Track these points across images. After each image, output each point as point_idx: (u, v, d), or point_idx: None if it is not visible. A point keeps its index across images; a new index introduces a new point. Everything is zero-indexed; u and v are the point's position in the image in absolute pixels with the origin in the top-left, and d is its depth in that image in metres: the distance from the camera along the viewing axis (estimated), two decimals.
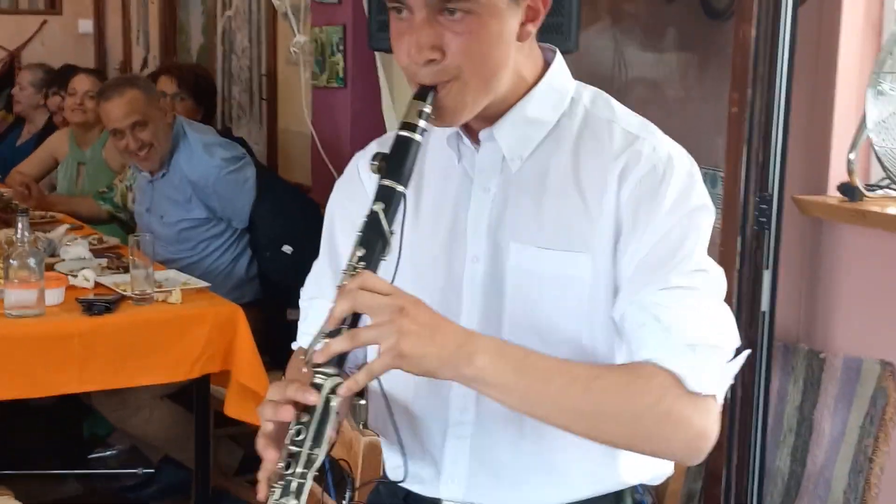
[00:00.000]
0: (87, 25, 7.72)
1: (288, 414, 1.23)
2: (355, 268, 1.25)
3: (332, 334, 1.22)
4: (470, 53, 1.31)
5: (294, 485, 1.21)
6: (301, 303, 1.65)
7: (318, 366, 1.22)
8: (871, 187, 2.56)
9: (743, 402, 2.65)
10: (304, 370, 1.25)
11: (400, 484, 1.54)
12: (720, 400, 1.31)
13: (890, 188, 2.52)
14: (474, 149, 1.45)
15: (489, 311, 1.42)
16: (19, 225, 3.07)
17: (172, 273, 3.43)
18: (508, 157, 1.43)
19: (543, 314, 1.39)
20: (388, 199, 1.29)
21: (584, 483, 1.45)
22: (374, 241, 1.27)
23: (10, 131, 6.00)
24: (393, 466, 1.56)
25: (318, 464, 1.22)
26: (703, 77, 3.01)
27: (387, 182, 1.30)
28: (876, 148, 2.48)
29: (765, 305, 2.58)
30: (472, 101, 1.36)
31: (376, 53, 3.74)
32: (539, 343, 1.35)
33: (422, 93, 1.33)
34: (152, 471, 3.89)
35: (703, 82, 3.00)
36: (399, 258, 1.39)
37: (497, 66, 1.35)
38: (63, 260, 3.51)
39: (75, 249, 3.62)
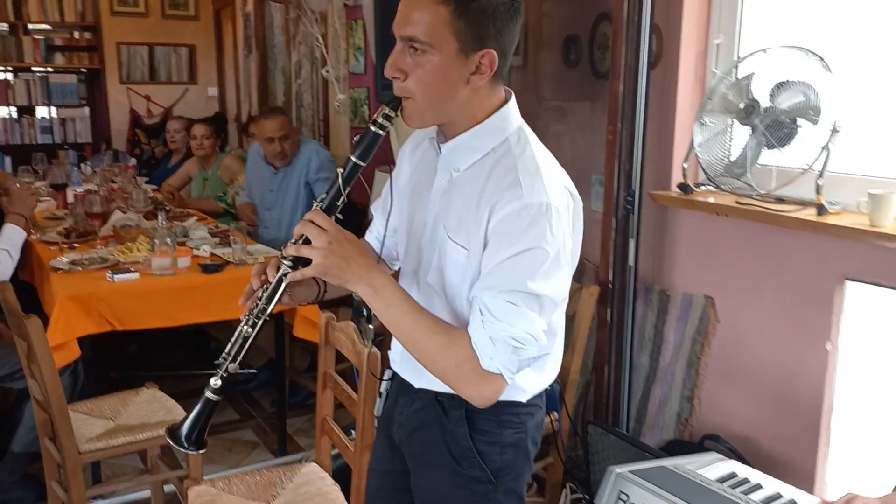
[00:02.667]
0: (213, 91, 7.67)
1: (258, 281, 1.32)
2: (316, 206, 1.25)
3: (295, 243, 1.24)
4: (420, 82, 1.23)
5: (251, 321, 1.30)
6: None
7: (283, 258, 1.26)
8: (697, 185, 2.53)
9: (619, 324, 2.64)
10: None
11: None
12: (507, 378, 1.21)
13: (709, 185, 2.50)
14: (440, 153, 1.36)
15: (425, 259, 1.37)
16: (160, 217, 3.07)
17: (261, 247, 3.41)
18: (451, 168, 1.33)
19: (443, 275, 1.33)
20: (350, 169, 1.26)
21: None
22: (333, 192, 1.26)
23: (164, 158, 5.98)
24: None
25: (268, 311, 1.29)
26: (592, 116, 2.98)
27: (353, 158, 1.26)
28: (700, 160, 2.45)
29: (631, 261, 2.57)
30: (422, 116, 1.28)
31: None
32: (440, 281, 1.33)
33: (392, 102, 1.27)
34: (254, 371, 3.91)
35: (593, 119, 2.97)
36: (391, 205, 1.46)
37: (440, 95, 1.25)
38: (191, 238, 3.49)
39: (199, 232, 3.60)
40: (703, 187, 2.52)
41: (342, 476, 2.16)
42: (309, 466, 2.18)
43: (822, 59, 2.12)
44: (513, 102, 1.33)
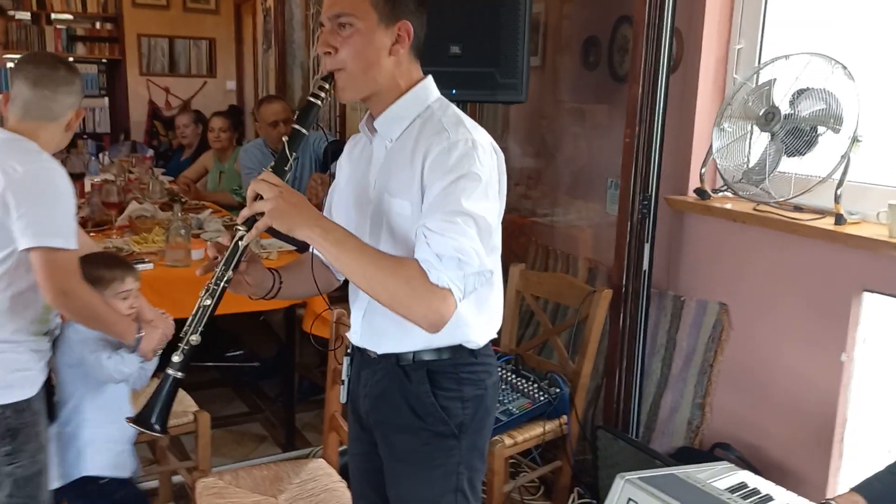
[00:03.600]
0: (231, 84, 7.69)
1: (219, 250, 1.36)
2: (266, 170, 1.32)
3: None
4: (349, 52, 1.37)
5: (210, 290, 1.33)
6: None
7: (238, 225, 1.31)
8: (714, 191, 2.52)
9: (630, 329, 2.63)
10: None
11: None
12: (457, 294, 1.29)
13: (726, 192, 2.47)
14: (373, 134, 1.49)
15: (374, 231, 1.45)
16: (175, 209, 3.08)
17: (274, 241, 3.41)
18: (385, 140, 1.46)
19: (393, 235, 1.42)
20: (294, 135, 1.37)
21: (421, 338, 1.42)
22: (282, 158, 1.35)
23: (177, 151, 5.99)
24: None
25: (227, 277, 1.33)
26: (610, 119, 2.96)
27: (295, 125, 1.38)
28: (718, 166, 2.43)
29: (645, 266, 2.55)
30: (354, 84, 1.41)
31: None
32: (392, 244, 1.42)
33: (325, 77, 1.40)
34: (257, 364, 3.95)
35: (610, 122, 2.95)
36: (333, 186, 1.61)
37: (368, 63, 1.39)
38: (206, 231, 3.50)
39: (214, 224, 3.61)
40: (720, 193, 2.50)
41: (350, 473, 2.16)
42: (316, 462, 2.18)
43: (844, 68, 2.09)
44: (430, 79, 1.48)
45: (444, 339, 1.42)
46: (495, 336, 1.55)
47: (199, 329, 1.33)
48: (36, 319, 1.92)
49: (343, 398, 1.65)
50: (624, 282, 2.60)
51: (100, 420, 2.08)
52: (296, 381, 3.44)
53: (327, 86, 1.39)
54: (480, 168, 1.33)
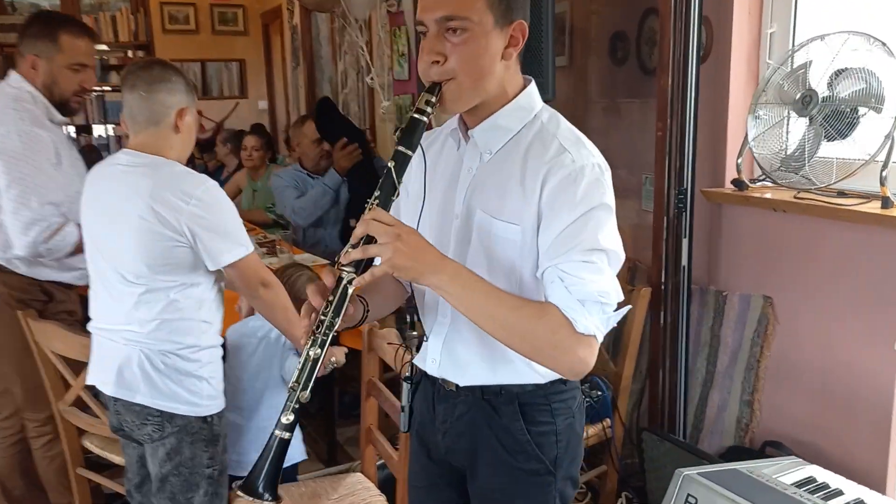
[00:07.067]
0: (263, 104, 7.79)
1: (322, 295, 1.20)
2: (371, 204, 1.19)
3: (354, 247, 1.16)
4: (462, 60, 1.22)
5: (318, 340, 1.18)
6: None
7: (343, 266, 1.18)
8: (752, 181, 2.44)
9: (672, 327, 2.55)
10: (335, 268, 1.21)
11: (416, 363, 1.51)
12: (601, 338, 1.21)
13: (765, 181, 2.39)
14: (465, 142, 1.36)
15: (460, 249, 1.34)
16: None
17: (307, 256, 3.42)
18: (482, 151, 1.33)
19: (490, 258, 1.31)
20: (400, 159, 1.21)
21: (512, 372, 1.34)
22: (387, 187, 1.20)
23: (217, 171, 6.08)
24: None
25: (335, 327, 1.18)
26: (642, 114, 2.90)
27: (400, 147, 1.22)
28: (755, 155, 2.36)
29: (684, 261, 2.48)
30: (465, 96, 1.26)
31: None
32: (486, 266, 1.30)
33: (431, 88, 1.24)
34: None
35: (643, 117, 2.89)
36: (423, 203, 1.38)
37: (483, 71, 1.24)
38: None
39: None
40: (758, 183, 2.42)
41: (389, 486, 2.13)
42: (355, 476, 2.15)
43: (884, 44, 2.01)
44: (534, 84, 1.35)
45: (544, 373, 1.34)
46: None
47: (310, 384, 1.18)
48: (221, 327, 2.03)
49: (404, 427, 1.55)
50: (663, 279, 2.53)
51: None
52: (336, 396, 3.43)
53: (433, 98, 1.23)
54: (611, 196, 1.25)
